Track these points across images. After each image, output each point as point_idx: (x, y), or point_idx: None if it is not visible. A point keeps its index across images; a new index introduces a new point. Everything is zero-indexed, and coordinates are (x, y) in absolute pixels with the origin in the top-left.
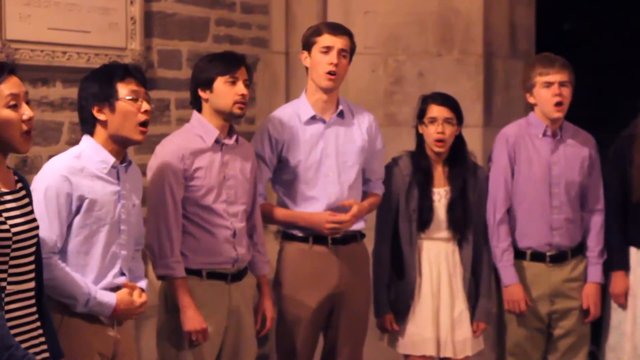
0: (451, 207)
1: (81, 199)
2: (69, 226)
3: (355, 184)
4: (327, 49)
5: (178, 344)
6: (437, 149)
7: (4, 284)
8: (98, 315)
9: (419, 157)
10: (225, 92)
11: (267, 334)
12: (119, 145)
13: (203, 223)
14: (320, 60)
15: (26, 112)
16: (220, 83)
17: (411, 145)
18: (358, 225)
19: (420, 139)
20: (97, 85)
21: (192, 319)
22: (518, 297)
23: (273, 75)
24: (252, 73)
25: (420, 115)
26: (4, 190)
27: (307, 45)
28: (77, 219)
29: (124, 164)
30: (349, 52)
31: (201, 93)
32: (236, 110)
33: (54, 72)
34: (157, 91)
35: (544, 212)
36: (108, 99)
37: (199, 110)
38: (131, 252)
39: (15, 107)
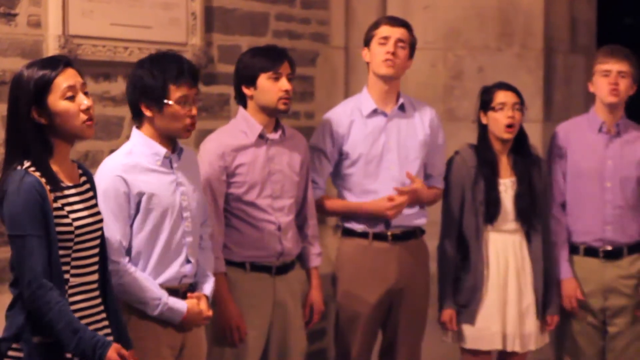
0: (518, 198)
1: (139, 194)
2: (132, 223)
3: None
4: (385, 39)
5: (221, 339)
6: (506, 135)
7: (67, 276)
8: (168, 321)
9: (484, 148)
10: (269, 88)
11: (324, 328)
12: (168, 139)
13: (247, 218)
14: (378, 51)
15: (84, 101)
16: (263, 79)
17: (470, 140)
18: (418, 221)
19: (483, 130)
20: (149, 81)
21: (227, 315)
22: (570, 292)
23: (332, 70)
24: (294, 66)
25: (485, 104)
26: (68, 184)
27: (367, 41)
28: (139, 216)
29: (176, 152)
30: (407, 43)
31: (245, 90)
32: (281, 106)
33: (115, 68)
34: (217, 86)
35: (596, 206)
36: (157, 99)
37: (244, 105)
38: (197, 238)
39: (72, 99)
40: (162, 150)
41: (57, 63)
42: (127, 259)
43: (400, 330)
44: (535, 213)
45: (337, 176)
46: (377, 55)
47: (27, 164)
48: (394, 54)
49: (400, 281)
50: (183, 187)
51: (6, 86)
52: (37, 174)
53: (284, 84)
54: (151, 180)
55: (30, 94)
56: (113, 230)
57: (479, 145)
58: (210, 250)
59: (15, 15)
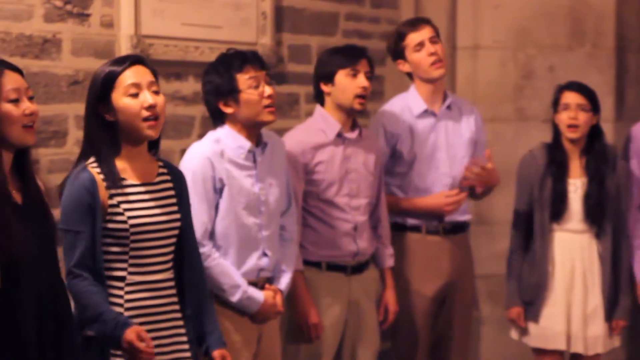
0: (587, 198)
1: (222, 182)
2: (216, 209)
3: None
4: (420, 45)
5: (297, 337)
6: (570, 135)
7: (123, 273)
8: (245, 310)
9: (554, 148)
10: (346, 85)
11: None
12: (253, 129)
13: (324, 216)
14: (420, 58)
15: (147, 99)
16: (341, 76)
17: (540, 140)
18: (465, 217)
19: (555, 130)
20: (217, 80)
21: (304, 313)
22: None
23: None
24: (373, 65)
25: (555, 104)
26: (133, 182)
27: (398, 54)
28: (221, 203)
29: (260, 146)
30: (437, 36)
31: (323, 87)
32: (356, 106)
33: (186, 67)
34: (287, 85)
35: None
36: (231, 92)
37: (322, 104)
38: (275, 232)
39: (135, 96)
40: (247, 144)
41: (125, 60)
42: (211, 243)
43: (454, 324)
44: (605, 214)
45: (388, 174)
46: (422, 62)
47: (91, 160)
48: (436, 52)
49: (453, 274)
50: (262, 182)
51: (80, 85)
52: (97, 170)
53: (361, 80)
54: (233, 171)
55: (97, 90)
56: (200, 213)
57: (551, 144)
58: (294, 243)
59: (88, 15)
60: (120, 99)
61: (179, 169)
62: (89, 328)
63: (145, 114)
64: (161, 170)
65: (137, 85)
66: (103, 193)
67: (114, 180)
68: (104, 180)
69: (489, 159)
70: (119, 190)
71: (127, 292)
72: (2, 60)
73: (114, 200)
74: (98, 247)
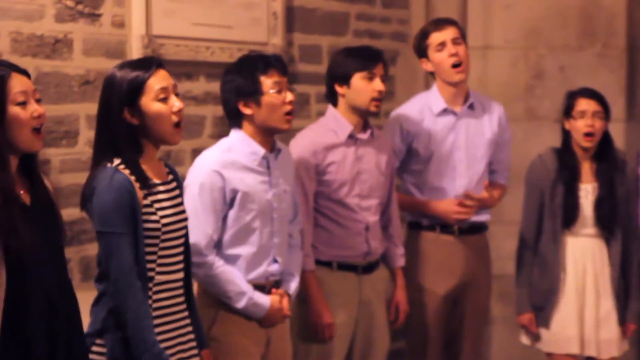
0: (599, 204)
1: (234, 191)
2: (224, 218)
3: (482, 176)
4: (442, 45)
5: (308, 337)
6: (585, 144)
7: (152, 274)
8: (252, 315)
9: (565, 153)
10: (362, 88)
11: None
12: (267, 135)
13: (335, 217)
14: (441, 58)
15: (175, 104)
16: (357, 79)
17: (551, 140)
18: (483, 217)
19: (566, 135)
20: (240, 80)
21: (318, 313)
22: None
23: (413, 69)
24: (388, 67)
25: (567, 110)
26: (157, 181)
27: (422, 52)
28: (231, 212)
29: (274, 152)
30: (461, 38)
31: (338, 88)
32: (372, 108)
33: (197, 67)
34: (298, 85)
35: None
36: (253, 93)
37: (335, 104)
38: (285, 238)
39: (165, 100)
40: (261, 150)
41: (150, 64)
42: (214, 252)
43: (465, 325)
44: (616, 219)
45: (404, 171)
46: (443, 63)
47: (116, 161)
48: (457, 54)
49: (466, 274)
50: (275, 188)
51: (91, 85)
52: (127, 171)
53: (377, 84)
54: (247, 179)
55: (123, 94)
56: (205, 224)
57: (561, 150)
58: (299, 249)
59: (99, 15)
60: (152, 103)
61: (174, 167)
62: (126, 337)
63: (175, 118)
64: (166, 169)
65: (165, 90)
66: (139, 194)
67: (145, 180)
68: (135, 181)
69: (485, 190)
70: (150, 190)
71: (155, 293)
72: (9, 63)
73: (148, 200)
74: (141, 249)
